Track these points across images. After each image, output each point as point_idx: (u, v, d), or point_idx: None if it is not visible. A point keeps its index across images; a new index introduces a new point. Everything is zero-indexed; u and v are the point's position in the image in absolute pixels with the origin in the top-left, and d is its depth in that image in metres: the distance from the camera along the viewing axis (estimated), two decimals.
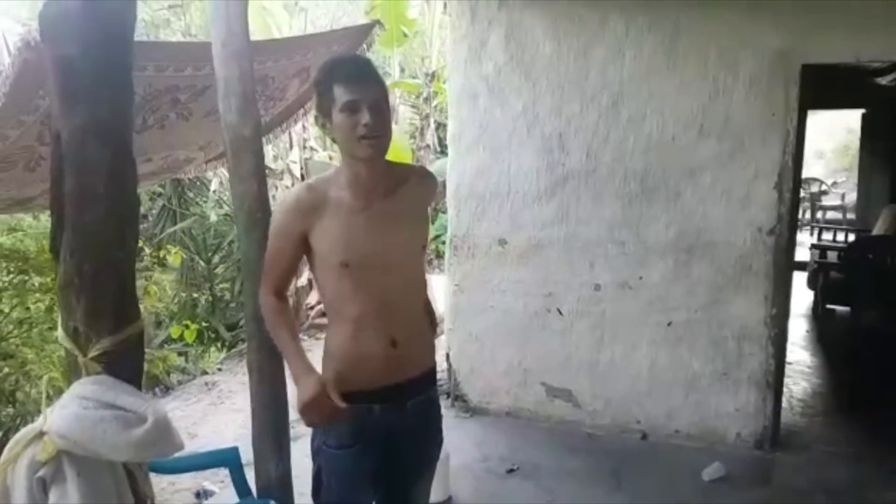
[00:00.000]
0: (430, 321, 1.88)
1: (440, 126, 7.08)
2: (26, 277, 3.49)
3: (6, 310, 3.60)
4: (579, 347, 3.75)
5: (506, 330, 3.88)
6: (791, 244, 3.50)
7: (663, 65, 3.42)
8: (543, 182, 3.70)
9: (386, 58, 7.88)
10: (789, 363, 4.45)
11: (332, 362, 1.71)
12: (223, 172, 5.52)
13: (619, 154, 3.55)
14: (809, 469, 3.36)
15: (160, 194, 6.98)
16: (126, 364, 1.61)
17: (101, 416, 1.50)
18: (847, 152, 13.86)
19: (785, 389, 3.93)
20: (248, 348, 2.60)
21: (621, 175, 3.56)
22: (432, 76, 7.34)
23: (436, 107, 7.47)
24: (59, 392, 1.66)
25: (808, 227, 10.26)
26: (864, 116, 8.34)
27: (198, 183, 7.06)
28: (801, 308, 6.29)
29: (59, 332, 1.61)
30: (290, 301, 6.58)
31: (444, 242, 4.12)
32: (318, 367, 1.72)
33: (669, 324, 3.57)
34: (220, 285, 6.98)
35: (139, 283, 4.22)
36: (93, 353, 1.55)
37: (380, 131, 1.58)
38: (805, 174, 9.82)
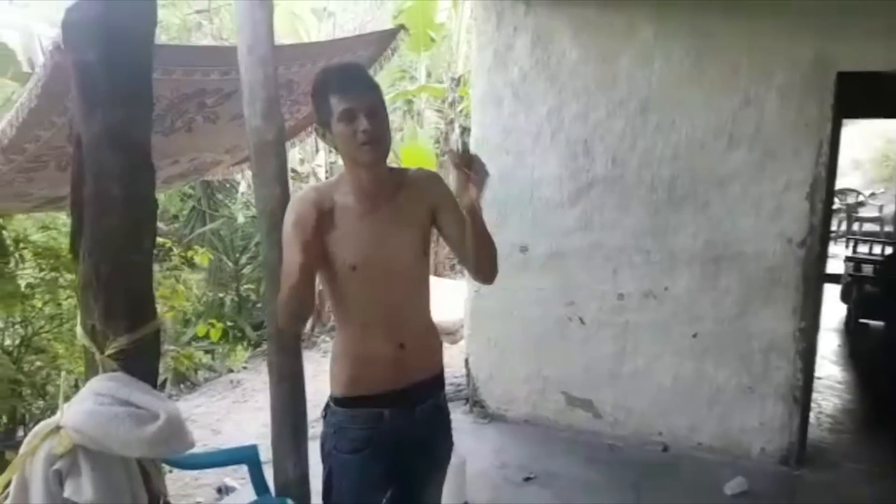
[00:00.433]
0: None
1: (465, 131, 7.08)
2: (57, 274, 3.56)
3: (39, 305, 3.69)
4: (601, 357, 3.71)
5: (526, 337, 3.85)
6: (822, 256, 3.41)
7: (692, 71, 3.36)
8: (567, 188, 3.67)
9: (413, 62, 7.90)
10: (819, 378, 4.34)
11: (341, 365, 1.72)
12: (251, 175, 5.59)
13: (646, 161, 3.50)
14: (835, 487, 3.27)
15: (190, 196, 7.12)
16: (142, 362, 1.65)
17: (116, 412, 1.53)
18: (886, 163, 13.52)
19: (813, 404, 3.84)
20: (269, 349, 2.64)
21: (648, 183, 3.51)
22: (458, 81, 7.33)
23: (461, 111, 7.46)
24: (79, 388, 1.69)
25: (844, 239, 10.02)
26: None
27: (227, 185, 7.18)
28: (833, 322, 6.14)
29: (78, 330, 1.66)
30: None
31: None
32: (328, 371, 1.73)
33: (695, 335, 3.51)
34: (247, 285, 7.09)
35: (168, 282, 4.29)
36: (109, 350, 1.59)
37: (378, 136, 1.59)
38: (841, 184, 9.67)
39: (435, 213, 1.74)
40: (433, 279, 4.46)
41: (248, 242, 7.10)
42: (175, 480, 3.64)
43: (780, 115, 3.24)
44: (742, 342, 3.43)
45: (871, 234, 10.01)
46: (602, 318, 3.68)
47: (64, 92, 2.20)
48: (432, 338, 1.84)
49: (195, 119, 2.92)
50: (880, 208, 11.45)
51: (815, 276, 3.30)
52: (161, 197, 6.32)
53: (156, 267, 4.45)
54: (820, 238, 3.27)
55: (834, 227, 9.84)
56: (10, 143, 2.37)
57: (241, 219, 7.05)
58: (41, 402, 3.80)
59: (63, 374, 2.53)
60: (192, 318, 6.29)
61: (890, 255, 6.68)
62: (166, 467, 3.14)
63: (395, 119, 7.87)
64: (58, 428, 1.55)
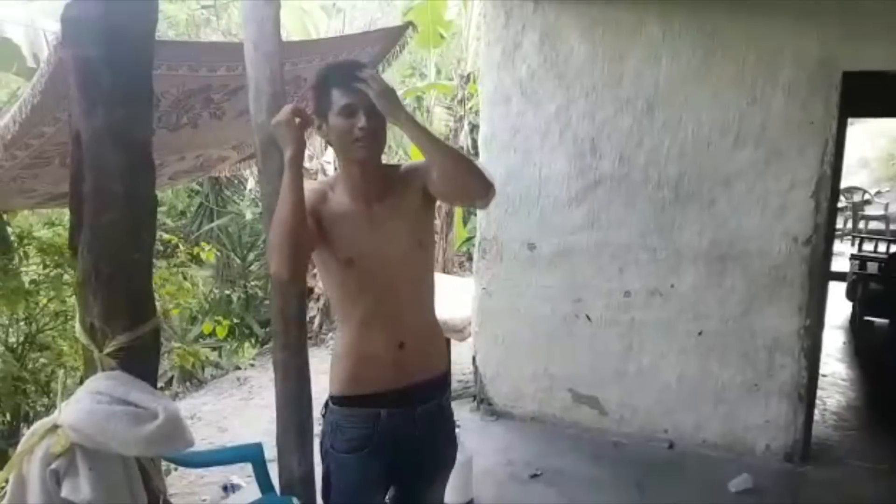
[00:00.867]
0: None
1: (474, 128, 7.07)
2: (62, 271, 3.56)
3: (43, 302, 3.69)
4: (607, 354, 3.72)
5: (533, 334, 3.87)
6: (827, 254, 3.42)
7: (700, 70, 3.37)
8: (574, 186, 3.68)
9: (423, 59, 7.89)
10: (824, 375, 4.35)
11: (341, 364, 1.72)
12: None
13: (653, 159, 3.51)
14: (840, 484, 3.28)
15: (198, 192, 7.14)
16: (141, 360, 1.63)
17: (113, 411, 1.52)
18: (892, 161, 13.44)
19: (818, 402, 3.84)
20: (274, 346, 2.63)
21: (654, 181, 3.52)
22: (467, 78, 7.33)
23: (470, 108, 7.45)
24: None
25: (849, 237, 9.98)
26: None
27: (235, 181, 7.19)
28: (839, 320, 6.13)
29: (77, 327, 1.64)
30: (321, 300, 6.56)
31: (474, 245, 4.13)
32: (328, 369, 1.74)
33: (700, 333, 3.52)
34: (254, 282, 7.10)
35: (175, 278, 4.30)
36: (108, 349, 1.58)
37: (374, 134, 1.62)
38: (847, 183, 9.62)
39: (424, 189, 1.71)
40: (441, 276, 4.46)
41: (256, 239, 7.12)
42: (180, 478, 3.66)
43: (786, 113, 3.24)
44: (747, 340, 3.44)
45: (876, 232, 9.98)
46: (608, 315, 3.69)
47: (68, 88, 2.21)
48: (435, 337, 1.82)
49: (201, 115, 2.92)
50: (886, 206, 11.40)
51: (820, 275, 3.31)
52: (168, 193, 6.34)
53: (162, 263, 4.47)
54: (825, 236, 3.28)
55: (839, 225, 9.81)
56: (14, 139, 2.35)
57: (248, 215, 7.06)
58: (45, 400, 3.81)
59: (62, 371, 2.49)
60: (198, 316, 6.31)
61: (894, 253, 6.67)
62: (171, 465, 3.15)
63: None
64: (55, 426, 1.53)
